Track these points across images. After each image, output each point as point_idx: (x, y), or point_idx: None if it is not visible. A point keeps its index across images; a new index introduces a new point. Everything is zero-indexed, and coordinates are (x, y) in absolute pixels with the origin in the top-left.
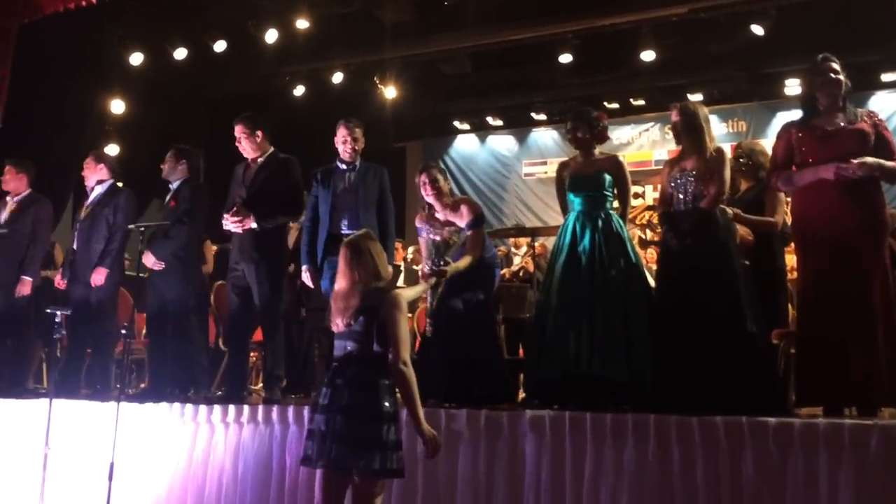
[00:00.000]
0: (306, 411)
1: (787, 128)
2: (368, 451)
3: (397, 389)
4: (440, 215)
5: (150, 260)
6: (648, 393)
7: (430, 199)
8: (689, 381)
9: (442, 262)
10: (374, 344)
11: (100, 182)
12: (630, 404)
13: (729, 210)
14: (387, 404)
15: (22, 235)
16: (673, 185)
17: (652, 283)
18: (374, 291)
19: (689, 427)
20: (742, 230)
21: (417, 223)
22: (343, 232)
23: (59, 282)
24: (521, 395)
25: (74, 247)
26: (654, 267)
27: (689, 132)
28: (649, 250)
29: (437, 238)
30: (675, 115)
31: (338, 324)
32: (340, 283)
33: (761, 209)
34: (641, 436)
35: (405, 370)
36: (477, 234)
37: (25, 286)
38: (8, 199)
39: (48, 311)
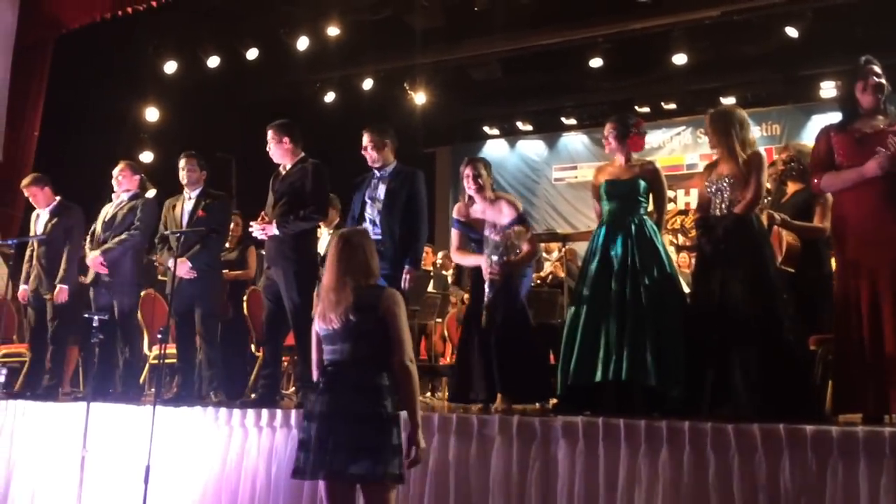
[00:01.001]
0: (294, 417)
1: (826, 131)
2: (371, 456)
3: (399, 389)
4: (479, 208)
5: (184, 268)
6: (683, 399)
7: (471, 192)
8: (724, 387)
9: (505, 258)
10: (374, 343)
11: (127, 190)
12: (663, 411)
13: (776, 216)
14: (388, 407)
15: (59, 243)
16: (710, 190)
17: (686, 288)
18: (370, 289)
19: (725, 434)
20: (789, 236)
21: (455, 215)
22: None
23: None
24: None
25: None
26: (688, 272)
27: (723, 137)
28: (682, 255)
29: (498, 238)
30: (709, 121)
31: (331, 319)
32: (327, 277)
33: (811, 213)
34: (676, 443)
35: (410, 367)
36: (529, 229)
37: (62, 293)
38: (40, 210)
39: (86, 315)
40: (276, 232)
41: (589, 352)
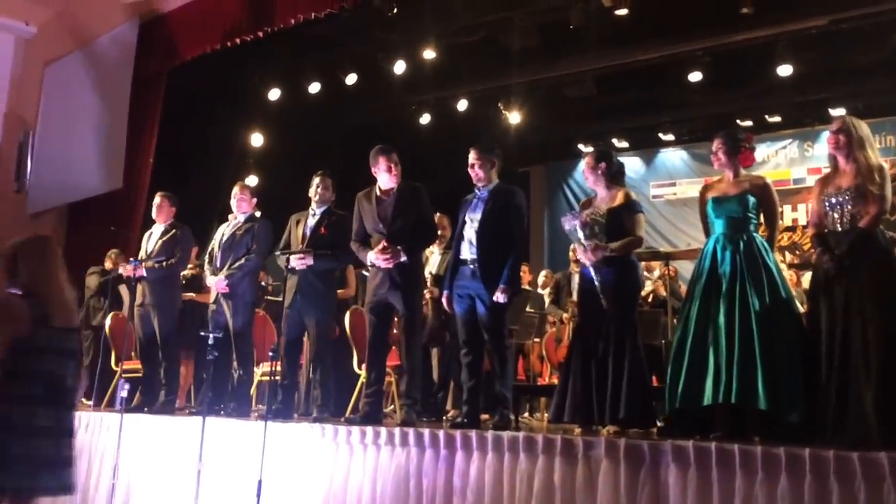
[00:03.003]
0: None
1: None
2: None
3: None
4: (602, 202)
5: (305, 262)
6: (800, 425)
7: (597, 185)
8: (847, 413)
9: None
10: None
11: (244, 212)
12: (778, 437)
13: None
14: (17, 416)
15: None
16: (827, 204)
17: (801, 308)
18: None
19: (850, 463)
20: None
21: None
22: (461, 257)
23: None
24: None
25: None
26: (798, 290)
27: (848, 148)
28: (790, 272)
29: (579, 220)
30: (833, 131)
31: None
32: None
33: None
34: (796, 471)
35: None
36: (639, 218)
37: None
38: (154, 228)
39: (202, 333)
40: (404, 258)
41: (698, 374)
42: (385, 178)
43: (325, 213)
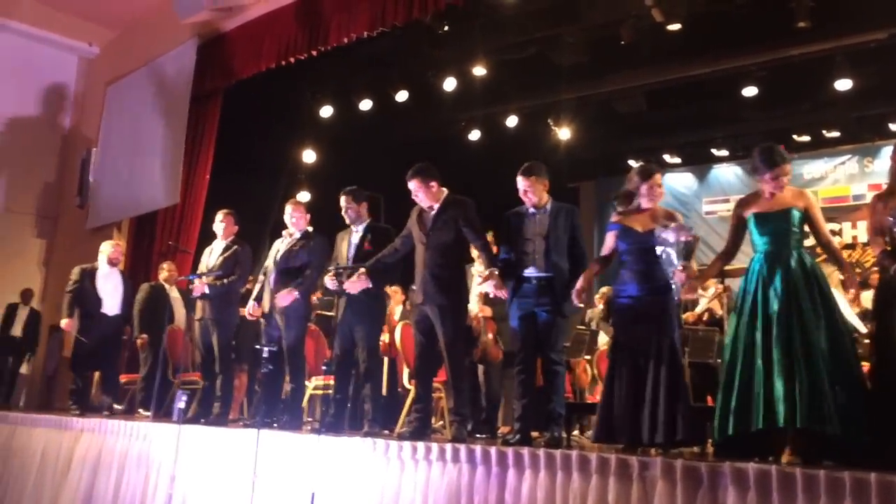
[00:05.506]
0: (450, 451)
1: None
2: None
3: None
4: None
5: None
6: (864, 449)
7: (648, 203)
8: None
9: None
10: None
11: (300, 228)
12: (837, 460)
13: None
14: None
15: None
16: (893, 220)
17: (858, 325)
18: None
19: None
20: None
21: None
22: (526, 274)
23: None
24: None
25: (272, 286)
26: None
27: None
28: (851, 291)
29: (684, 239)
30: None
31: None
32: None
33: None
34: (862, 496)
35: None
36: None
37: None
38: (215, 244)
39: (256, 347)
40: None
41: (755, 395)
42: (424, 199)
43: (367, 229)
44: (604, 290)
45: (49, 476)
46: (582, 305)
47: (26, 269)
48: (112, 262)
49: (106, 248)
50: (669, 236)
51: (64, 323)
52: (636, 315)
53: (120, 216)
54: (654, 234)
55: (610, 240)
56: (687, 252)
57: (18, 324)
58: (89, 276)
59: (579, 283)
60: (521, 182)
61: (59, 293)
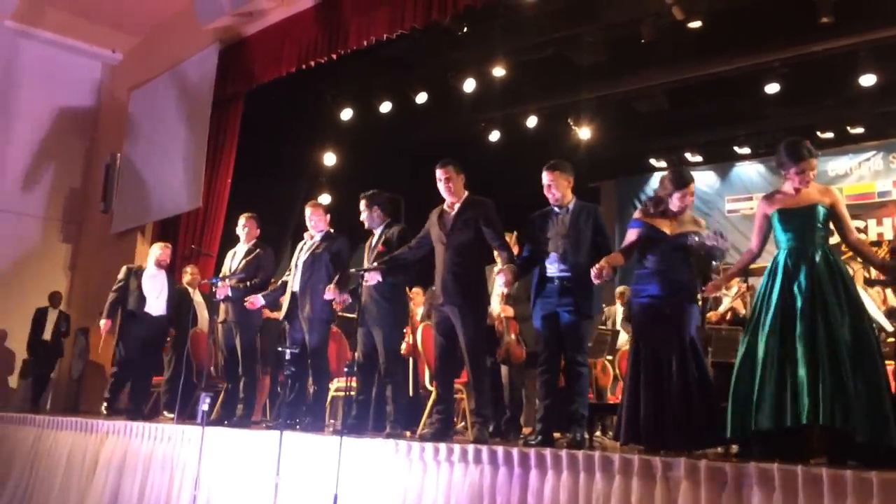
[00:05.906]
0: (472, 453)
1: None
2: None
3: None
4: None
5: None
6: (889, 449)
7: (678, 208)
8: None
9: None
10: None
11: (320, 230)
12: (862, 460)
13: None
14: None
15: (253, 279)
16: None
17: (885, 323)
18: None
19: None
20: None
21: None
22: (548, 274)
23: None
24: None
25: (296, 288)
26: (883, 307)
27: None
28: (875, 289)
29: (717, 244)
30: None
31: None
32: None
33: None
34: (891, 496)
35: None
36: None
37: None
38: (238, 247)
39: (279, 349)
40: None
41: (779, 394)
42: (446, 188)
43: (384, 230)
44: (621, 289)
45: (75, 478)
46: (598, 281)
47: (53, 274)
48: (160, 264)
49: (155, 251)
50: (706, 242)
51: (102, 323)
52: (657, 314)
53: (143, 220)
54: (685, 237)
55: (632, 235)
56: (717, 256)
57: (48, 327)
58: (136, 275)
59: (601, 262)
60: (545, 177)
61: (85, 297)
